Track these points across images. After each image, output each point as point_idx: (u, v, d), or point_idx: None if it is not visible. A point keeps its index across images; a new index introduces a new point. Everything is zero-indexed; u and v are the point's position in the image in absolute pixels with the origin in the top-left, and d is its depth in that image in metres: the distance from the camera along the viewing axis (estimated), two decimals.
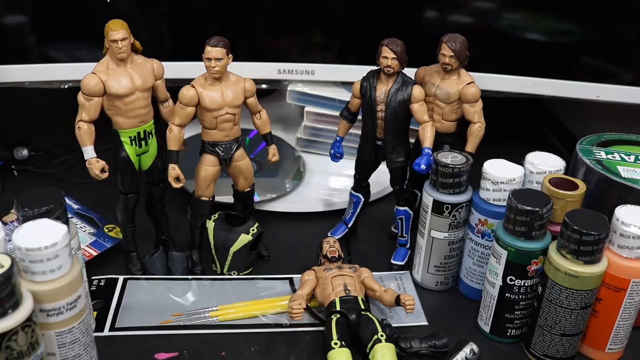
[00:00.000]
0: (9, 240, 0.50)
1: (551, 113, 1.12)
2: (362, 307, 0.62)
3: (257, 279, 0.72)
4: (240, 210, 0.75)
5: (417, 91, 0.69)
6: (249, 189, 0.74)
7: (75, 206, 0.77)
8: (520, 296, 0.62)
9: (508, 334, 0.64)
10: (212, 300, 0.68)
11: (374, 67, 0.70)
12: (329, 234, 0.78)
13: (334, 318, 0.61)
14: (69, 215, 0.60)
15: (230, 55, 0.65)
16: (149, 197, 0.71)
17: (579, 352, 0.63)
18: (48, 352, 0.51)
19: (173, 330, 0.64)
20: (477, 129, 0.71)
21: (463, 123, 0.72)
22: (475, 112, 0.70)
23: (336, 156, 0.76)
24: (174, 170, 0.67)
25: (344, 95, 0.91)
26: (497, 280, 0.63)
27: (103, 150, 0.66)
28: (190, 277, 0.72)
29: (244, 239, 0.70)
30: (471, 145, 0.71)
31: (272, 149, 0.73)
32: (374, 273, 0.68)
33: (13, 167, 0.93)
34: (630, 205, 0.59)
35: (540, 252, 0.60)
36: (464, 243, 0.70)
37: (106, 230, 0.74)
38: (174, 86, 0.68)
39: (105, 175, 0.65)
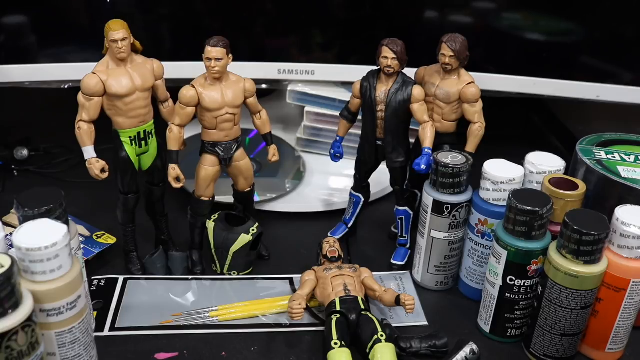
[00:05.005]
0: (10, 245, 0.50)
1: (551, 113, 1.12)
2: (362, 307, 0.62)
3: (257, 279, 0.72)
4: (240, 210, 0.74)
5: (417, 91, 0.69)
6: (249, 189, 0.74)
7: None
8: (520, 296, 0.62)
9: (508, 334, 0.64)
10: (212, 300, 0.68)
11: (374, 67, 0.70)
12: (329, 234, 0.78)
13: (334, 318, 0.61)
14: None
15: (230, 55, 0.65)
16: (149, 197, 0.71)
17: (579, 352, 0.63)
18: (48, 352, 0.51)
19: (173, 330, 0.64)
20: (477, 129, 0.71)
21: (463, 123, 0.72)
22: (475, 112, 0.70)
23: (336, 156, 0.76)
24: (174, 170, 0.67)
25: (344, 95, 0.91)
26: (497, 280, 0.63)
27: (103, 150, 0.66)
28: (190, 277, 0.72)
29: (244, 239, 0.70)
30: (471, 145, 0.71)
31: (272, 149, 0.73)
32: (374, 273, 0.68)
33: (13, 167, 0.93)
34: (630, 205, 0.59)
35: (540, 252, 0.60)
36: (464, 243, 0.70)
37: (95, 238, 0.74)
38: (174, 86, 0.68)
39: (105, 175, 0.65)
